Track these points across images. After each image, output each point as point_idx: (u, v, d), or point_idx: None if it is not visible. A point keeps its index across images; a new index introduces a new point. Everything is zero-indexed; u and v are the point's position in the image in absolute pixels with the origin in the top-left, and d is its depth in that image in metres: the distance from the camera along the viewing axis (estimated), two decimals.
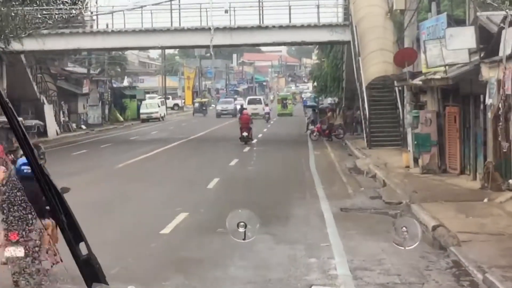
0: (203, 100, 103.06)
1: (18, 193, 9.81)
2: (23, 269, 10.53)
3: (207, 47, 49.73)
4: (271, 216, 17.85)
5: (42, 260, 10.43)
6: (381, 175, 25.92)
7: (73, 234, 2.77)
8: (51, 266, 9.99)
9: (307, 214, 19.12)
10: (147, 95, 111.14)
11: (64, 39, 45.51)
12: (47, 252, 10.49)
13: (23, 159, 10.83)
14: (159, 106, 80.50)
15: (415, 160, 27.44)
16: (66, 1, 47.22)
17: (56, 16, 45.17)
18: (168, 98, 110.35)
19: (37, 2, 43.68)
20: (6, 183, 11.11)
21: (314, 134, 47.60)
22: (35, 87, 51.27)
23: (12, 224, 10.48)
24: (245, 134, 42.98)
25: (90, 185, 24.55)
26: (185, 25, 46.90)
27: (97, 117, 68.23)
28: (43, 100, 52.78)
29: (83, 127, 63.50)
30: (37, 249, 10.62)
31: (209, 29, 46.22)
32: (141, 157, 36.17)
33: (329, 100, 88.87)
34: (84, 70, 66.83)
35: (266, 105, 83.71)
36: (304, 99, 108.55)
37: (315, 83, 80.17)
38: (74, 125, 61.66)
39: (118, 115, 75.22)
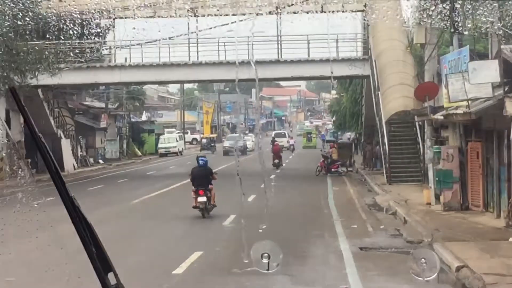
0: (212, 135, 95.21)
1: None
2: (205, 206, 24.97)
3: (225, 81, 49.21)
4: (288, 254, 17.17)
5: (212, 203, 25.21)
6: (401, 213, 25.24)
7: (102, 264, 2.87)
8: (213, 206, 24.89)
9: (326, 253, 18.48)
10: (166, 130, 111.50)
11: (81, 74, 45.27)
12: (213, 199, 25.30)
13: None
14: (177, 141, 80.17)
15: (437, 197, 26.72)
16: (85, 36, 47.11)
17: (74, 51, 44.98)
18: (187, 133, 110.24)
19: (55, 36, 43.45)
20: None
21: (318, 168, 47.35)
22: (52, 122, 50.96)
23: (199, 187, 24.89)
24: (276, 161, 52.66)
25: (102, 222, 23.97)
26: (203, 59, 46.55)
27: (115, 152, 67.93)
28: (60, 134, 52.47)
29: (101, 161, 63.15)
30: (209, 197, 25.14)
31: (227, 63, 45.86)
32: (157, 192, 35.63)
33: (348, 135, 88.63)
34: (102, 105, 66.63)
35: (291, 138, 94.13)
36: (322, 133, 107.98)
37: (334, 118, 79.70)
38: (91, 160, 61.32)
39: (136, 149, 74.94)
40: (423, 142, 36.94)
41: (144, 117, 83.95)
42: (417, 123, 38.04)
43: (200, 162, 25.56)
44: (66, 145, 53.19)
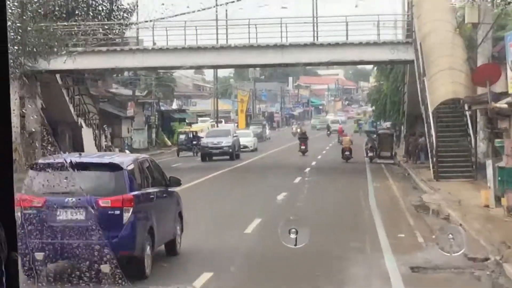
0: (193, 129, 65.94)
1: None
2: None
3: (256, 66, 45.35)
4: (320, 278, 13.43)
5: None
6: (456, 217, 21.22)
7: None
8: None
9: (368, 275, 14.62)
10: (200, 119, 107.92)
11: (101, 58, 41.65)
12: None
13: None
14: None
15: (497, 199, 22.65)
16: (105, 17, 43.64)
17: (94, 32, 41.49)
18: (221, 122, 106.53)
19: (73, 17, 39.96)
20: None
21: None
22: (72, 110, 47.45)
23: None
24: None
25: None
26: (232, 42, 42.71)
27: (143, 142, 64.37)
28: (81, 123, 48.99)
29: (127, 151, 59.52)
30: None
31: (258, 46, 42.01)
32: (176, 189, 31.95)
33: (384, 125, 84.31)
34: (129, 92, 63.07)
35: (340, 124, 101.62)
36: (360, 122, 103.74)
37: (373, 107, 75.53)
38: (117, 150, 57.76)
39: (166, 139, 71.32)
40: (474, 134, 32.85)
41: (174, 105, 79.92)
42: (467, 113, 33.94)
43: None
44: (87, 134, 49.69)
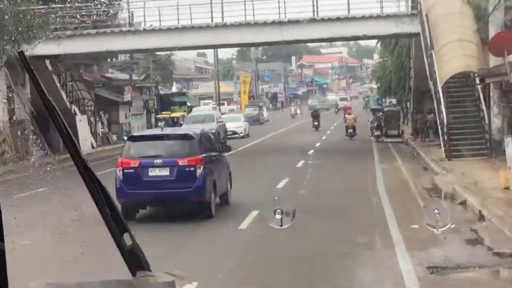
0: (175, 114, 59.29)
1: None
2: None
3: (254, 45, 43.23)
4: (323, 282, 11.44)
5: None
6: (474, 203, 19.07)
7: (117, 225, 2.81)
8: None
9: (379, 278, 12.53)
10: (202, 101, 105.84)
11: (90, 41, 39.44)
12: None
13: None
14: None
15: None
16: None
17: (81, 15, 39.31)
18: (223, 104, 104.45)
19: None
20: None
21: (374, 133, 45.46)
22: (64, 96, 45.29)
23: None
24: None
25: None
26: (228, 20, 40.52)
27: (142, 127, 62.19)
28: (74, 110, 46.87)
29: (125, 138, 57.36)
30: None
31: (256, 24, 39.82)
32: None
33: (392, 101, 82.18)
34: (126, 76, 60.91)
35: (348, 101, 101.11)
36: (367, 99, 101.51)
37: (378, 84, 73.31)
38: (114, 137, 55.72)
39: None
40: (488, 109, 30.65)
41: (174, 89, 77.63)
42: (479, 87, 31.73)
43: None
44: (82, 122, 47.57)
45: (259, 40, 41.90)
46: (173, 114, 59.82)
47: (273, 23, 39.74)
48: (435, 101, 35.06)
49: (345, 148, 42.11)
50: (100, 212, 2.83)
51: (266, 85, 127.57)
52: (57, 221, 12.13)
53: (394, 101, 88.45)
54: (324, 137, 52.56)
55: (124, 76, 61.28)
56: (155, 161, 18.15)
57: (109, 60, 59.44)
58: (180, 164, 18.04)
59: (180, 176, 17.96)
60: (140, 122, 62.40)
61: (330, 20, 39.10)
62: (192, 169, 18.03)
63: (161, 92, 70.63)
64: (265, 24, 39.81)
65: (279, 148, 43.16)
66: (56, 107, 2.79)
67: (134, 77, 63.46)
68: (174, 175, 18.05)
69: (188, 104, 78.44)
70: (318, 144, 45.32)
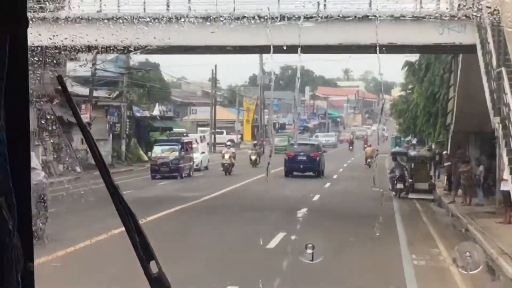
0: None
1: None
2: None
3: (231, 49, 29.87)
4: None
5: None
6: None
7: (145, 252, 2.75)
8: None
9: None
10: (199, 128, 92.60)
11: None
12: None
13: None
14: (197, 143, 60.17)
15: None
16: None
17: None
18: (221, 133, 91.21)
19: None
20: None
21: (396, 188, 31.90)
22: None
23: None
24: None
25: None
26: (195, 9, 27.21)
27: (105, 155, 48.83)
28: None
29: (78, 169, 43.95)
30: None
31: (238, 19, 26.48)
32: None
33: (411, 140, 69.40)
34: (87, 91, 47.76)
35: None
36: (393, 136, 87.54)
37: (400, 119, 59.82)
38: (60, 167, 42.39)
39: (142, 153, 55.85)
40: None
41: (156, 111, 63.67)
42: None
43: None
44: None
45: (239, 43, 28.43)
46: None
47: (259, 19, 26.34)
48: (499, 146, 21.52)
49: (350, 209, 28.59)
50: (129, 238, 2.76)
51: (275, 114, 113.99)
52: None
53: (414, 141, 74.98)
54: (345, 165, 39.09)
55: (85, 90, 48.13)
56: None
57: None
58: None
59: None
60: (103, 150, 48.92)
61: (342, 19, 25.67)
62: None
63: (137, 114, 57.20)
64: (249, 21, 26.38)
65: (250, 207, 29.39)
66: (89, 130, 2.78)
67: (104, 95, 50.44)
68: None
69: (176, 130, 65.39)
70: (316, 197, 31.93)
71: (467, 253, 4.88)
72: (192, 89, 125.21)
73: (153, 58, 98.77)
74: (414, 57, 47.01)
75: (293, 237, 19.65)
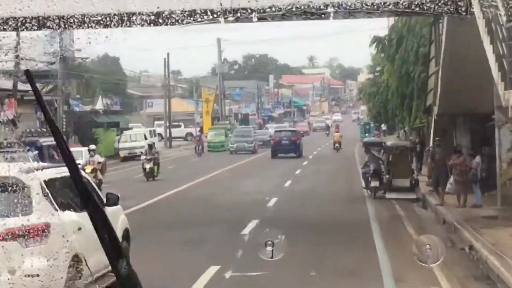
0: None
1: None
2: None
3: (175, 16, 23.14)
4: None
5: None
6: None
7: (114, 250, 2.80)
8: None
9: None
10: (156, 122, 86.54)
11: None
12: None
13: None
14: (146, 138, 53.73)
15: None
16: None
17: None
18: (179, 126, 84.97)
19: None
20: None
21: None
22: None
23: None
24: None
25: None
26: None
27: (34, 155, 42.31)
28: None
29: None
30: None
31: None
32: None
33: (383, 127, 63.90)
34: (10, 84, 41.28)
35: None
36: (361, 122, 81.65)
37: (370, 104, 53.94)
38: None
39: None
40: None
41: (99, 105, 56.85)
42: None
43: None
44: None
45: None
46: None
47: None
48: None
49: (311, 218, 22.54)
50: (98, 237, 2.81)
51: (236, 105, 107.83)
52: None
53: (384, 127, 69.09)
54: (287, 183, 33.03)
55: (8, 83, 41.64)
56: None
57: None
58: None
59: None
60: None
61: None
62: None
63: (76, 109, 50.65)
64: None
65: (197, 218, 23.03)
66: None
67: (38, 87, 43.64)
68: None
69: (122, 125, 58.95)
70: (272, 202, 25.84)
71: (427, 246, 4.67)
72: (153, 82, 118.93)
73: (113, 52, 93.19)
74: (383, 32, 41.18)
75: (227, 275, 13.49)
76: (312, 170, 40.60)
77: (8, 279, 8.98)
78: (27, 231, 9.41)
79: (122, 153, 53.34)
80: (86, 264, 9.73)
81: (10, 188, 9.58)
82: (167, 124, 70.26)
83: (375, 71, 60.51)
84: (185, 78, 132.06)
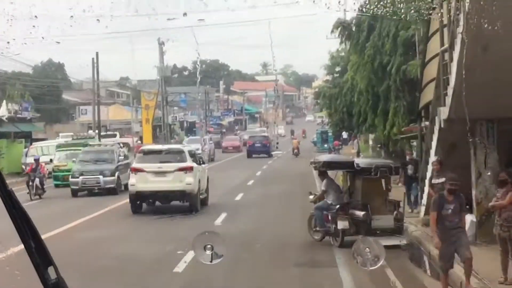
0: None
1: None
2: None
3: None
4: None
5: None
6: None
7: (41, 258, 2.68)
8: None
9: None
10: (90, 131, 76.36)
11: None
12: None
13: None
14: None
15: None
16: None
17: None
18: (114, 135, 74.79)
19: None
20: None
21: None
22: None
23: None
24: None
25: None
26: None
27: None
28: None
29: None
30: None
31: None
32: None
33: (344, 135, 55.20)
34: None
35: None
36: (318, 131, 72.21)
37: (329, 110, 44.36)
38: None
39: None
40: None
41: (2, 111, 45.85)
42: None
43: None
44: None
45: None
46: None
47: None
48: None
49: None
50: (24, 245, 2.69)
51: (182, 112, 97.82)
52: None
53: (345, 135, 60.16)
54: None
55: None
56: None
57: None
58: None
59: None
60: None
61: None
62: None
63: None
64: None
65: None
66: None
67: None
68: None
69: (35, 136, 48.71)
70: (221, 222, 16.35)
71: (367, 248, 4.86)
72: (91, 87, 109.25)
73: (57, 58, 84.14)
74: (348, 15, 31.91)
75: None
76: None
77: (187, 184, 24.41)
78: (185, 168, 24.58)
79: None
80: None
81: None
82: (99, 133, 60.21)
83: (334, 71, 51.43)
84: (134, 84, 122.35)
